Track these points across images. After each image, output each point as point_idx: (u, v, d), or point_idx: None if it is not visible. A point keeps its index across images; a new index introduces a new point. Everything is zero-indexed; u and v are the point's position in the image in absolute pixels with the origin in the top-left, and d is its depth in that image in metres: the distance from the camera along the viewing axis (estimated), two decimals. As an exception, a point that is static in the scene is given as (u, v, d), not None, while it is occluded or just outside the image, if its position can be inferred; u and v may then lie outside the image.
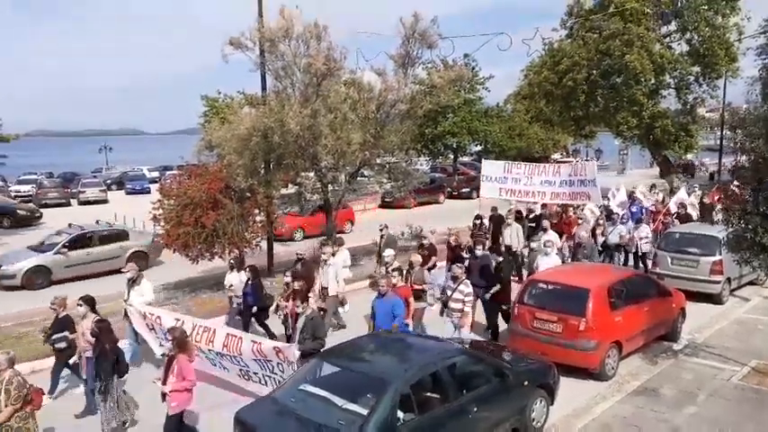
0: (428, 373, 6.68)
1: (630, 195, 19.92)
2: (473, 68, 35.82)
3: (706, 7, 25.90)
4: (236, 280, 10.98)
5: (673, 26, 28.11)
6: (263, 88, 15.31)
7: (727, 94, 33.53)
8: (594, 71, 27.56)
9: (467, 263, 11.29)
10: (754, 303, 13.09)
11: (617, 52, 25.75)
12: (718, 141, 36.38)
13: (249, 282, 10.69)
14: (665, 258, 13.44)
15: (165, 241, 13.72)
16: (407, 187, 18.30)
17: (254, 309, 10.65)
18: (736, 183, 9.19)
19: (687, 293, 11.77)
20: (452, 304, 9.55)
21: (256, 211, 14.69)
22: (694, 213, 17.97)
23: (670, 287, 11.25)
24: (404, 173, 17.15)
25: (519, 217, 16.31)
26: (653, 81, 27.36)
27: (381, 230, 14.38)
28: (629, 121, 27.71)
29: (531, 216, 16.82)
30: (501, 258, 11.35)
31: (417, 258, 11.02)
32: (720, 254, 12.46)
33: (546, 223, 14.36)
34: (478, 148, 42.19)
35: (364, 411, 5.95)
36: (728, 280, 12.94)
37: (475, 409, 6.64)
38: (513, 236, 14.60)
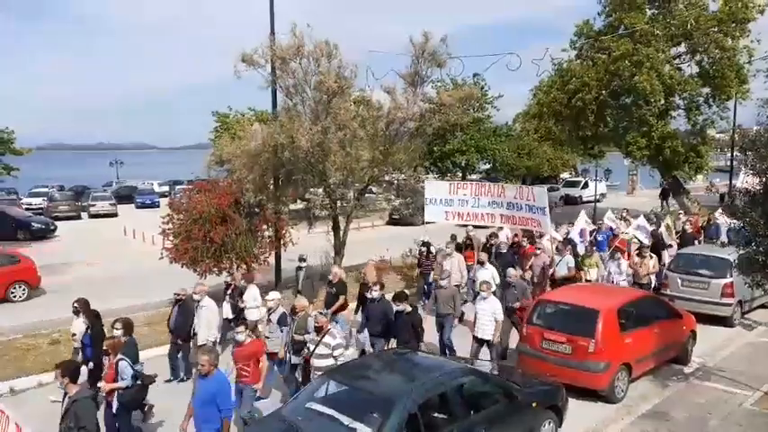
0: (436, 393, 6.64)
1: (596, 222, 18.32)
2: (482, 87, 36.00)
3: (716, 29, 25.91)
4: (82, 327, 9.16)
5: (683, 48, 28.15)
6: (274, 105, 15.43)
7: (737, 116, 33.51)
8: (604, 92, 27.56)
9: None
10: (766, 327, 12.92)
11: (626, 73, 25.77)
12: (729, 162, 36.25)
13: (87, 330, 8.94)
14: (675, 280, 13.32)
15: (173, 255, 13.75)
16: (416, 204, 18.33)
17: (91, 365, 8.60)
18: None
19: (698, 316, 11.64)
20: (317, 361, 7.94)
21: (265, 226, 14.73)
22: (670, 238, 16.66)
23: (681, 309, 11.15)
24: (412, 190, 17.18)
25: (468, 245, 15.02)
26: (662, 102, 27.31)
27: (300, 261, 12.84)
28: (639, 141, 27.64)
29: (490, 244, 15.27)
30: (408, 308, 9.32)
31: (302, 302, 9.21)
32: (731, 276, 12.35)
33: (483, 256, 13.08)
34: (487, 166, 42.24)
35: (371, 431, 5.90)
36: (740, 303, 12.80)
37: (483, 430, 6.57)
38: (454, 269, 12.98)
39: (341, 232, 16.24)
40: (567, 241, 15.07)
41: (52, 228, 28.17)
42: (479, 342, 10.02)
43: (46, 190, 43.53)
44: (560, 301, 10.06)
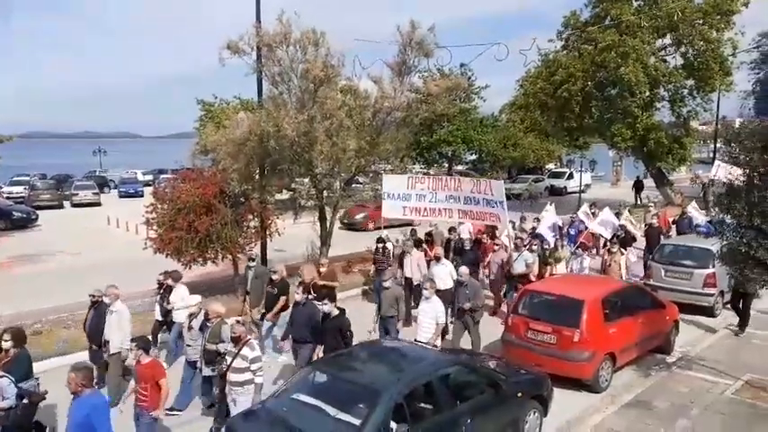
0: (422, 384, 6.62)
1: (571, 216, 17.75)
2: (469, 78, 35.94)
3: (701, 22, 26.12)
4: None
5: (668, 39, 28.35)
6: (260, 93, 15.25)
7: (720, 108, 33.84)
8: (589, 83, 27.71)
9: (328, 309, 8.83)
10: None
11: (612, 64, 25.92)
12: (712, 154, 36.65)
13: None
14: (658, 270, 13.45)
15: (157, 245, 13.60)
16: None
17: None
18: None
19: (680, 306, 11.77)
20: (233, 376, 7.12)
21: (250, 216, 14.61)
22: (634, 231, 16.26)
23: (664, 299, 11.26)
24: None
25: (427, 241, 14.50)
26: (647, 93, 27.56)
27: (250, 260, 11.94)
28: (624, 132, 27.87)
29: (448, 239, 14.82)
30: (335, 310, 8.60)
31: (215, 307, 8.26)
32: (714, 266, 12.48)
33: (439, 251, 12.41)
34: (473, 157, 42.27)
35: (357, 421, 5.89)
36: (722, 293, 12.94)
37: (468, 420, 6.59)
38: (413, 266, 12.53)
39: (327, 222, 16.18)
40: (535, 236, 14.64)
41: (33, 217, 27.76)
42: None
43: (27, 178, 42.86)
44: (545, 291, 10.12)
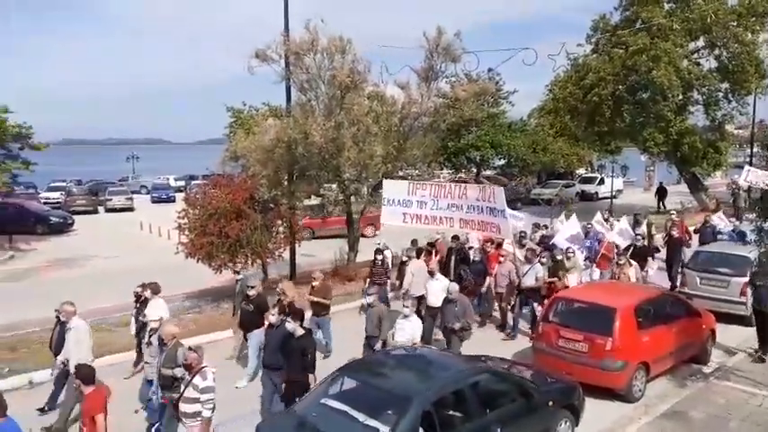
0: (451, 391, 6.58)
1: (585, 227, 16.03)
2: (497, 82, 35.74)
3: (735, 23, 25.55)
4: None
5: (701, 42, 27.78)
6: (288, 100, 15.44)
7: (757, 111, 32.97)
8: (620, 86, 27.29)
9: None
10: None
11: (643, 68, 25.48)
12: (748, 159, 35.70)
13: None
14: (693, 278, 13.13)
15: (188, 250, 13.82)
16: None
17: None
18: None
19: (717, 315, 11.46)
20: (183, 406, 6.57)
21: (279, 222, 14.76)
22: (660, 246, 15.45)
23: (700, 308, 10.98)
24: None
25: (428, 251, 13.72)
26: (680, 97, 27.03)
27: (236, 274, 11.37)
28: (656, 137, 27.35)
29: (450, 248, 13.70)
30: (300, 330, 7.72)
31: (169, 329, 7.68)
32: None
33: (434, 266, 11.89)
34: (502, 161, 41.94)
35: (386, 428, 5.87)
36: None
37: (498, 429, 6.51)
38: (416, 279, 11.83)
39: (354, 228, 16.23)
40: (545, 246, 13.81)
41: (70, 222, 28.57)
42: None
43: (64, 184, 44.07)
44: (577, 299, 9.97)
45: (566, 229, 14.76)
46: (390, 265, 13.45)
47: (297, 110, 15.11)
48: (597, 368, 8.76)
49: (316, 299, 10.69)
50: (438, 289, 10.65)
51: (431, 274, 11.50)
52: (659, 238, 15.60)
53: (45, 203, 34.87)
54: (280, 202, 14.68)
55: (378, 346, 9.10)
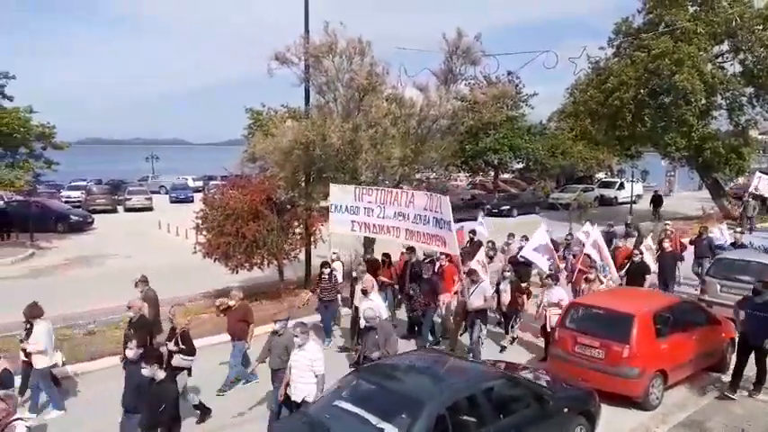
0: (465, 396, 6.53)
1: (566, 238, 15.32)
2: (516, 85, 35.58)
3: (761, 27, 25.10)
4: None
5: (725, 46, 27.34)
6: (307, 102, 15.51)
7: (782, 117, 32.31)
8: (642, 90, 26.94)
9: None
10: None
11: (666, 72, 25.13)
12: (772, 165, 35.09)
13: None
14: (713, 285, 12.92)
15: (206, 250, 13.94)
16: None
17: None
18: None
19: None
20: None
21: (296, 223, 14.81)
22: (651, 260, 13.85)
23: (719, 316, 10.80)
24: (442, 189, 17.05)
25: (384, 261, 12.70)
26: (703, 101, 26.59)
27: (140, 283, 10.37)
28: (678, 142, 26.95)
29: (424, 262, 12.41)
30: (160, 374, 6.49)
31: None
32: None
33: (368, 283, 10.40)
34: (520, 165, 41.72)
35: (399, 432, 5.84)
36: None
37: (512, 435, 6.46)
38: (359, 294, 10.77)
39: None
40: (518, 262, 12.97)
41: (90, 220, 28.97)
42: (288, 406, 7.34)
43: (84, 183, 44.70)
44: (594, 305, 9.85)
45: (534, 240, 13.30)
46: (341, 279, 12.51)
47: (315, 112, 15.18)
48: (614, 375, 8.65)
49: (244, 319, 9.50)
50: (369, 310, 9.07)
51: (364, 292, 10.28)
52: (651, 257, 14.01)
53: (66, 202, 35.40)
54: (297, 204, 14.74)
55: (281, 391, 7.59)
